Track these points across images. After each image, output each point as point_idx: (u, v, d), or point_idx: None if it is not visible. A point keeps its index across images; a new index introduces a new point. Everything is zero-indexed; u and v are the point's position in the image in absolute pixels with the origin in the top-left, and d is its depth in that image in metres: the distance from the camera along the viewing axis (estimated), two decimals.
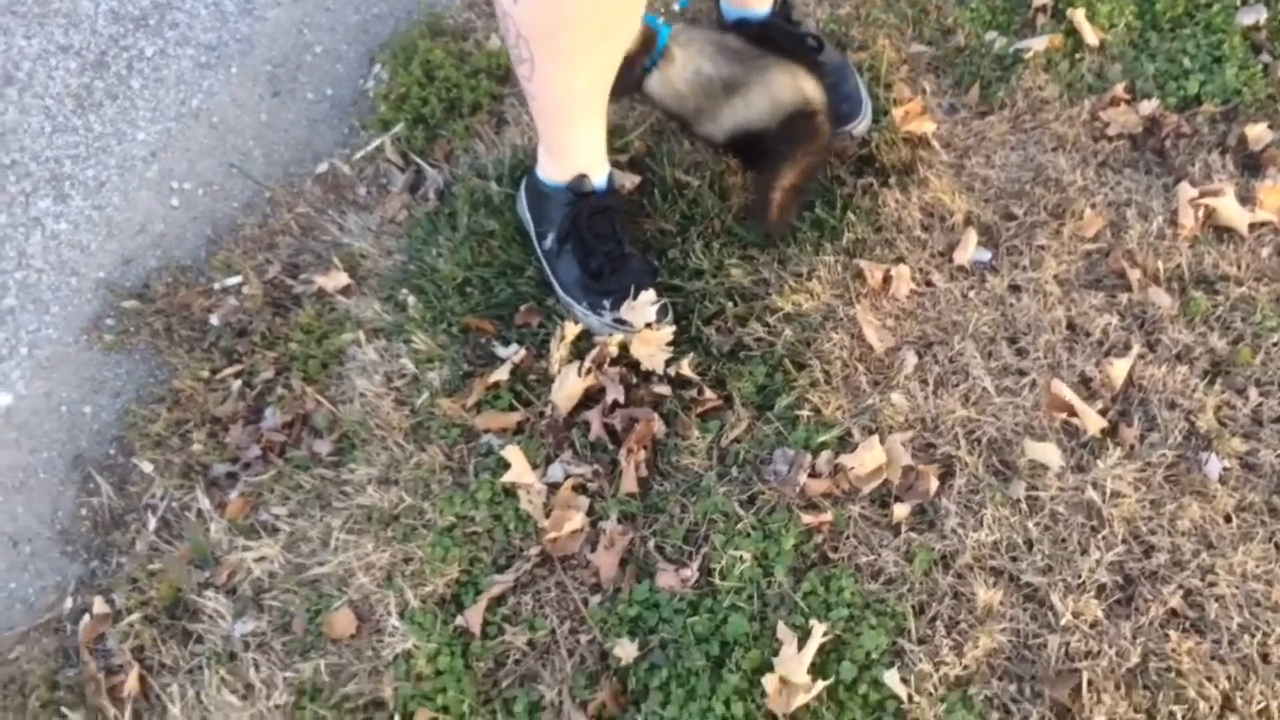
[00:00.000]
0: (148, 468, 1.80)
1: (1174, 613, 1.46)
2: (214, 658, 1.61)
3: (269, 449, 1.77)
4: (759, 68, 1.78)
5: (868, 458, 1.60)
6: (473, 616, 1.57)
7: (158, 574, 1.70)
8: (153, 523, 1.75)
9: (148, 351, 1.93)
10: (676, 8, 1.78)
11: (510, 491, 1.67)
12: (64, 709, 1.60)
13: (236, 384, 1.85)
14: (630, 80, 1.76)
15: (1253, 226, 1.80)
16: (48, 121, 2.16)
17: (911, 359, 1.70)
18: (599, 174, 1.81)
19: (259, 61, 2.26)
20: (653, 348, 1.74)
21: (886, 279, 1.78)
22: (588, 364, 1.73)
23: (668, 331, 1.74)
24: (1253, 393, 1.62)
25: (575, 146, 1.77)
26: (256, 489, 1.75)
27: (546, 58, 1.59)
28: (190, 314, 1.94)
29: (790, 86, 1.78)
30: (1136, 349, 1.67)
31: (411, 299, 1.86)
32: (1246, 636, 1.43)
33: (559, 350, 1.75)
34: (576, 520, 1.63)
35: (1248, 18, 2.03)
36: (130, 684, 1.60)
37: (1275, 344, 1.66)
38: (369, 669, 1.56)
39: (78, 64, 2.22)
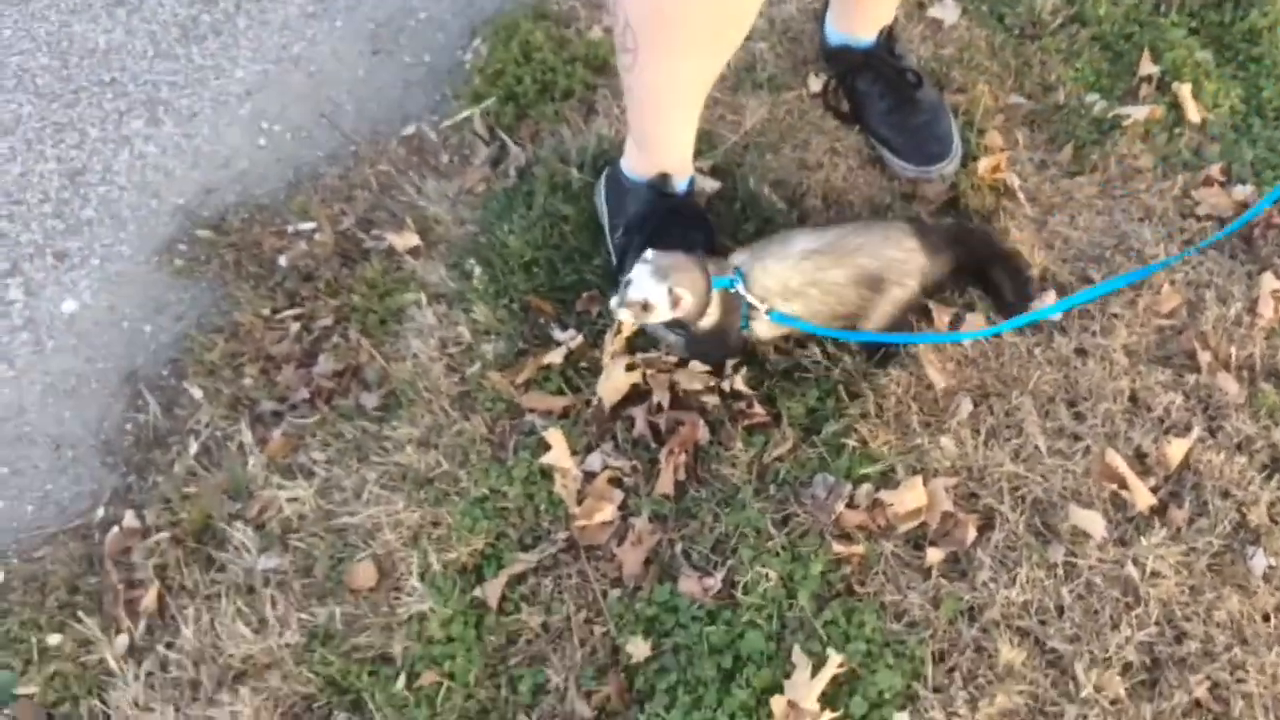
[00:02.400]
0: (198, 394, 1.82)
1: (1198, 703, 1.43)
2: (233, 588, 1.62)
3: (317, 394, 1.79)
4: (849, 260, 1.63)
5: (909, 497, 1.59)
6: (492, 590, 1.57)
7: (191, 498, 1.72)
8: (194, 447, 1.78)
9: (214, 282, 1.96)
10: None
11: (546, 473, 1.67)
12: (80, 613, 1.62)
13: (295, 326, 1.87)
14: (733, 346, 1.69)
15: None
16: (151, 46, 2.20)
17: (967, 406, 1.68)
18: (682, 176, 1.81)
19: (363, 19, 2.29)
20: (691, 377, 1.73)
21: (953, 322, 1.76)
22: (639, 360, 1.73)
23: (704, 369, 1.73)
24: None
25: (665, 143, 1.76)
26: (299, 431, 1.76)
27: (652, 51, 1.59)
28: (261, 252, 1.96)
29: (888, 250, 1.66)
30: (1197, 431, 1.64)
31: (478, 269, 1.87)
32: None
33: (613, 343, 1.75)
34: (608, 512, 1.63)
35: None
36: (149, 600, 1.62)
37: None
38: (383, 624, 1.57)
39: None
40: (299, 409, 1.78)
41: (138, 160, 2.07)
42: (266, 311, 1.89)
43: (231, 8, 2.28)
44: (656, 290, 1.53)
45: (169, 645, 1.59)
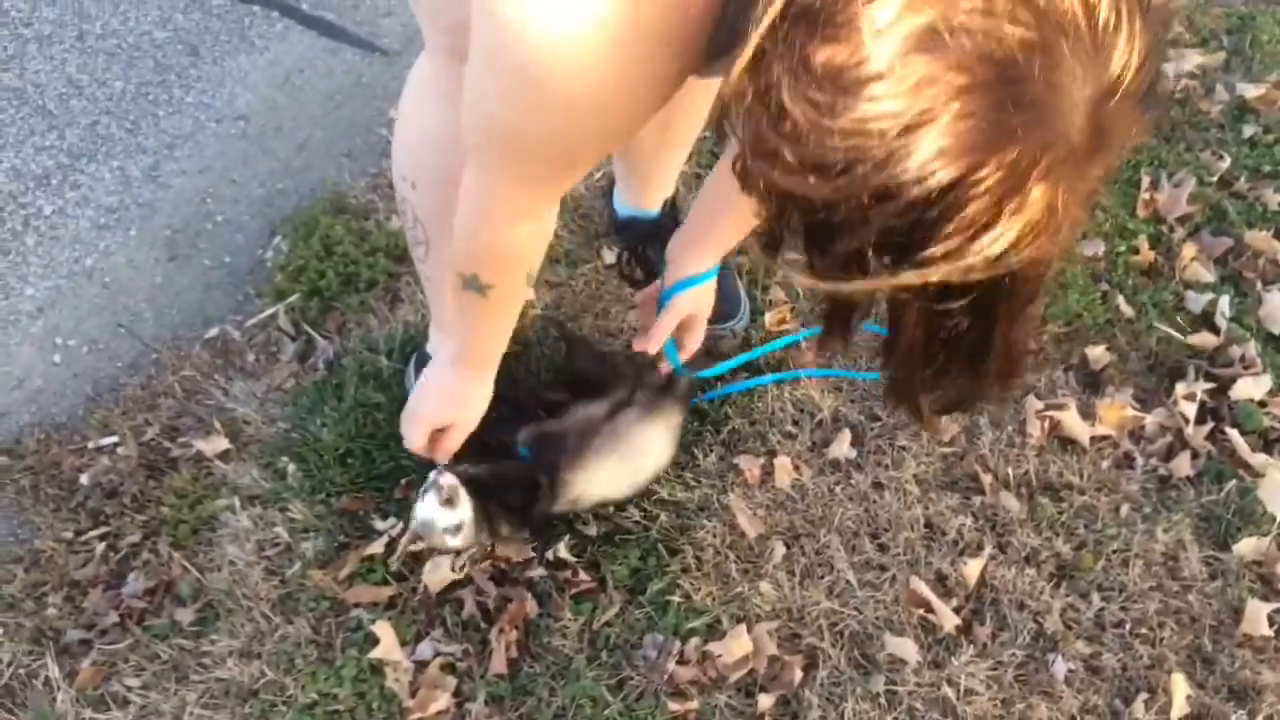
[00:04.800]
0: None
1: None
2: None
3: (128, 616, 1.72)
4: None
5: (735, 646, 1.64)
6: None
7: None
8: None
9: (11, 509, 1.87)
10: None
11: (377, 669, 1.64)
12: None
13: (101, 547, 1.80)
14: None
15: (1093, 440, 1.94)
16: None
17: (780, 549, 1.77)
18: None
19: (159, 227, 2.29)
20: (513, 549, 1.76)
21: (765, 471, 1.86)
22: (463, 560, 1.74)
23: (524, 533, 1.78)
24: (1095, 597, 1.72)
25: None
26: (110, 658, 1.68)
27: (443, 241, 1.66)
28: (60, 472, 1.89)
29: None
30: (988, 550, 1.76)
31: (291, 467, 1.86)
32: None
33: None
34: (443, 701, 1.62)
35: (1088, 249, 2.25)
36: None
37: (1115, 551, 1.78)
38: None
39: None
40: (109, 634, 1.70)
41: None
42: (69, 535, 1.81)
43: (19, 226, 2.25)
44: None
45: None
